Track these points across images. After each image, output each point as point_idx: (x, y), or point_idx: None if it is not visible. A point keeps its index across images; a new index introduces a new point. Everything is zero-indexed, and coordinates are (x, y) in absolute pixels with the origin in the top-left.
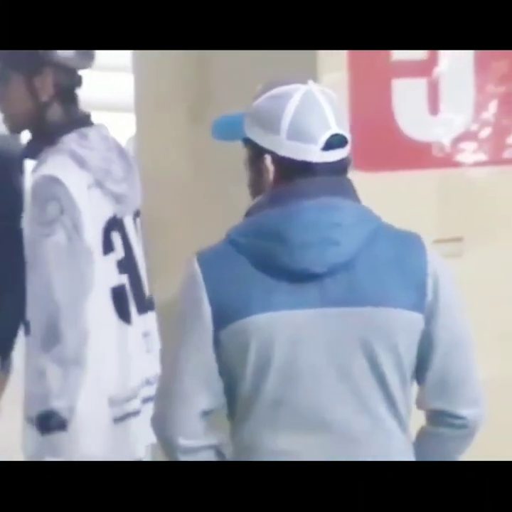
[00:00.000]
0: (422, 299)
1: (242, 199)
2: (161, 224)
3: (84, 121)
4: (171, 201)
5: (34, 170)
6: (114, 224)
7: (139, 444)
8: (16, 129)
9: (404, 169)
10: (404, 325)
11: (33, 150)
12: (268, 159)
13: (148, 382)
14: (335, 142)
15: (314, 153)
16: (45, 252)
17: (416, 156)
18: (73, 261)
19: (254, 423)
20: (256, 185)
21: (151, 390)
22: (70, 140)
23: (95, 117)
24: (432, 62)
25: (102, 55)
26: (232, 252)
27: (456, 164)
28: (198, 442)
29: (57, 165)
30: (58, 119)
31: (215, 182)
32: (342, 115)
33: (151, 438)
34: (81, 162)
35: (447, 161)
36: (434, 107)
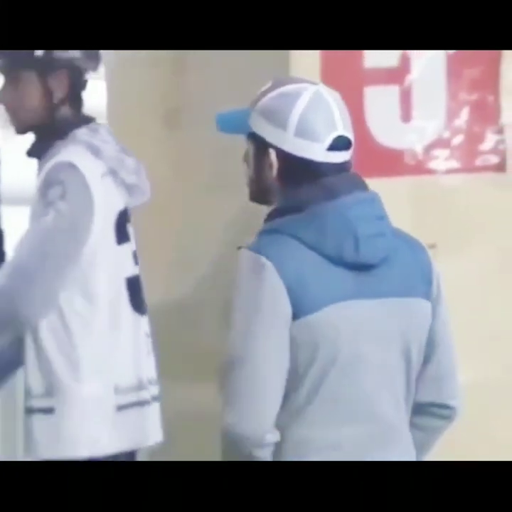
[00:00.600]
0: (430, 294)
1: (219, 204)
2: (137, 229)
3: (90, 120)
4: (148, 206)
5: (46, 162)
6: (127, 215)
7: (146, 435)
8: (23, 130)
9: (377, 176)
10: (427, 318)
11: (41, 148)
12: (273, 154)
13: (151, 382)
14: (340, 144)
15: (319, 153)
16: (30, 231)
17: (388, 163)
18: (52, 247)
19: (311, 417)
20: (257, 181)
21: (155, 390)
22: (83, 133)
23: None
24: (404, 70)
25: None
26: (297, 245)
27: (429, 171)
28: (275, 437)
29: (72, 153)
30: (68, 118)
31: (192, 187)
32: (348, 118)
33: (157, 436)
34: (96, 151)
35: (420, 168)
36: (406, 114)
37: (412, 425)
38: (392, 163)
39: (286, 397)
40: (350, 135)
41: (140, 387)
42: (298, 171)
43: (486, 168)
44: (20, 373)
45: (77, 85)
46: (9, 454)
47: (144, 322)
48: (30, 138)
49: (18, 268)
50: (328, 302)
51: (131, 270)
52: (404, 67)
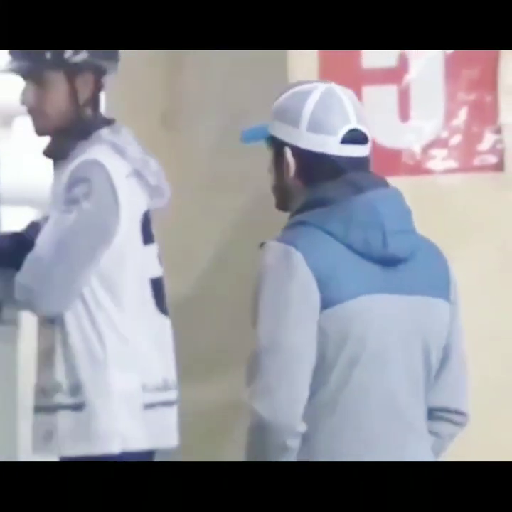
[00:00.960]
0: (449, 297)
1: (216, 204)
2: None
3: (111, 121)
4: None
5: (70, 162)
6: (150, 217)
7: (168, 436)
8: (46, 131)
9: None
10: (447, 320)
11: (62, 149)
12: (289, 153)
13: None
14: (354, 137)
15: (333, 146)
16: (52, 227)
17: (387, 162)
18: (72, 245)
19: (342, 409)
20: (279, 184)
21: (175, 393)
22: (106, 134)
23: None
24: (403, 70)
25: None
26: (325, 237)
27: (427, 171)
28: (303, 427)
29: (98, 152)
30: (91, 119)
31: (189, 187)
32: (363, 114)
33: (175, 439)
34: (121, 151)
35: (418, 168)
36: (404, 114)
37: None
38: (391, 162)
39: (317, 388)
40: (365, 129)
41: (166, 387)
42: (315, 167)
43: (484, 168)
44: (21, 374)
45: (99, 86)
46: (9, 454)
47: (167, 323)
48: (29, 138)
49: (36, 263)
50: (357, 294)
51: (156, 271)
52: (402, 67)
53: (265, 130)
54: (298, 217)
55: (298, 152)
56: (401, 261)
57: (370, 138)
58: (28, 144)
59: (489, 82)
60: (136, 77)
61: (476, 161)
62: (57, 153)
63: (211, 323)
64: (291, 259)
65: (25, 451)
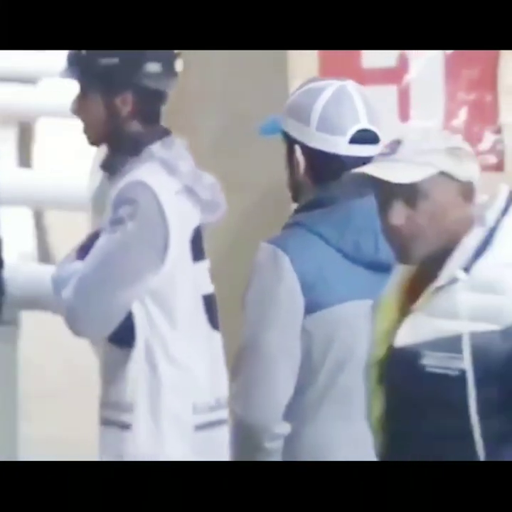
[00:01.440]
0: None
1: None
2: None
3: (166, 133)
4: None
5: (119, 178)
6: (201, 232)
7: (218, 455)
8: (94, 142)
9: None
10: None
11: (113, 163)
12: (298, 151)
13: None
14: (365, 138)
15: (341, 146)
16: (97, 248)
17: None
18: (115, 267)
19: (326, 413)
20: (290, 180)
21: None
22: (157, 148)
23: (72, 125)
24: (403, 70)
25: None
26: (316, 240)
27: None
28: (285, 429)
29: (145, 171)
30: (139, 133)
31: None
32: (376, 113)
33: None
34: (170, 168)
35: None
36: (404, 114)
37: None
38: None
39: (302, 391)
40: (376, 129)
41: (218, 406)
42: (323, 166)
43: (484, 168)
44: (20, 374)
45: (148, 103)
46: (9, 454)
47: (219, 338)
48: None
49: (80, 282)
50: (345, 299)
51: (207, 287)
52: (402, 67)
53: (279, 123)
54: (296, 217)
55: (307, 150)
56: (393, 267)
57: (381, 138)
58: (48, 146)
59: (489, 82)
60: None
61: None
62: (108, 168)
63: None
64: (278, 262)
65: (25, 451)
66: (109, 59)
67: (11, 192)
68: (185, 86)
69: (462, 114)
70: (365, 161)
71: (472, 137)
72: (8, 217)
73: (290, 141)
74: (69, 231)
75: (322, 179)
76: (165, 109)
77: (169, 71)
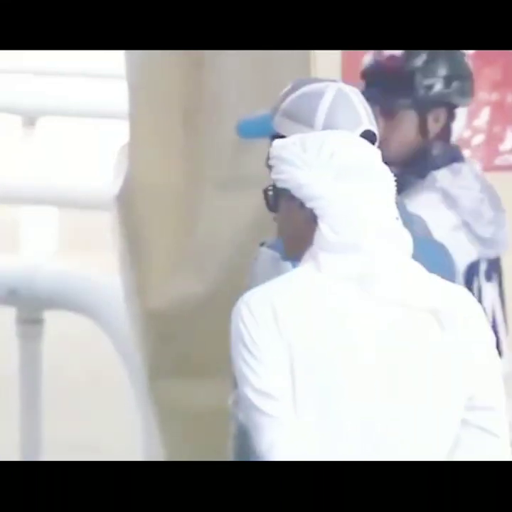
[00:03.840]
0: None
1: (233, 208)
2: (153, 230)
3: (457, 155)
4: (163, 209)
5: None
6: (476, 268)
7: None
8: (391, 163)
9: None
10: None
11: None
12: None
13: None
14: (367, 138)
15: None
16: None
17: None
18: None
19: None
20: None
21: None
22: (443, 177)
23: (90, 124)
24: None
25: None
26: None
27: None
28: None
29: (423, 202)
30: (437, 155)
31: (208, 188)
32: (371, 112)
33: None
34: (451, 202)
35: None
36: None
37: None
38: None
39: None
40: (374, 129)
41: None
42: None
43: (506, 168)
44: (45, 372)
45: (449, 120)
46: (33, 452)
47: None
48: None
49: None
50: None
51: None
52: None
53: (267, 127)
54: None
55: None
56: None
57: (378, 136)
58: (50, 144)
59: (511, 82)
60: (156, 77)
61: (498, 161)
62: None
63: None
64: (279, 267)
65: (49, 449)
66: (431, 79)
67: (34, 191)
68: (205, 85)
69: (484, 114)
70: None
71: (494, 137)
72: (32, 216)
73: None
74: (91, 230)
75: None
76: (184, 109)
77: (468, 91)
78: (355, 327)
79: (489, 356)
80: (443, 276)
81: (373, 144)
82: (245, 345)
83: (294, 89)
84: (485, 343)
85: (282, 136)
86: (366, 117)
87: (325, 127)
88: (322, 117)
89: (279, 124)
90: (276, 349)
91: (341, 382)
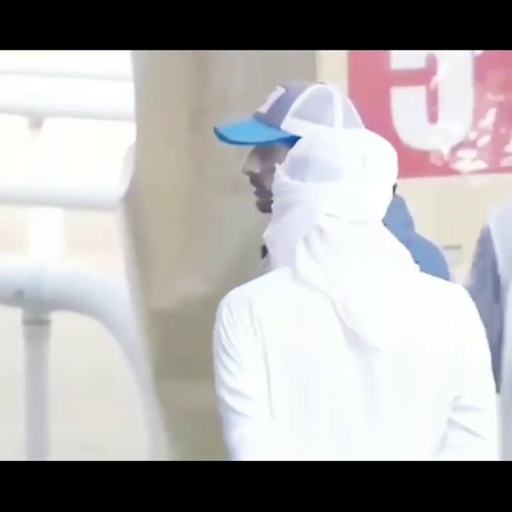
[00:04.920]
0: None
1: (240, 208)
2: (159, 231)
3: None
4: (170, 209)
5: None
6: None
7: None
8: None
9: (403, 177)
10: None
11: None
12: None
13: None
14: None
15: None
16: None
17: (415, 164)
18: None
19: None
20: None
21: None
22: None
23: (96, 126)
24: (431, 71)
25: (101, 64)
26: None
27: (455, 172)
28: None
29: None
30: None
31: (214, 191)
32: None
33: None
34: None
35: (446, 169)
36: (432, 116)
37: None
38: (419, 164)
39: None
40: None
41: None
42: None
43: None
44: (51, 373)
45: None
46: (40, 453)
47: None
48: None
49: None
50: None
51: None
52: (431, 69)
53: (257, 133)
54: None
55: None
56: None
57: None
58: (57, 145)
59: None
60: (162, 78)
61: (504, 162)
62: None
63: None
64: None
65: (55, 450)
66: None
67: (40, 192)
68: (211, 86)
69: (490, 115)
70: None
71: (500, 138)
72: (38, 217)
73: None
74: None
75: None
76: (190, 110)
77: None
78: (330, 326)
79: (481, 356)
80: (436, 275)
81: None
82: (223, 346)
83: (294, 91)
84: (477, 342)
85: (282, 139)
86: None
87: (345, 122)
88: (340, 115)
89: (293, 127)
90: (252, 350)
91: (317, 383)
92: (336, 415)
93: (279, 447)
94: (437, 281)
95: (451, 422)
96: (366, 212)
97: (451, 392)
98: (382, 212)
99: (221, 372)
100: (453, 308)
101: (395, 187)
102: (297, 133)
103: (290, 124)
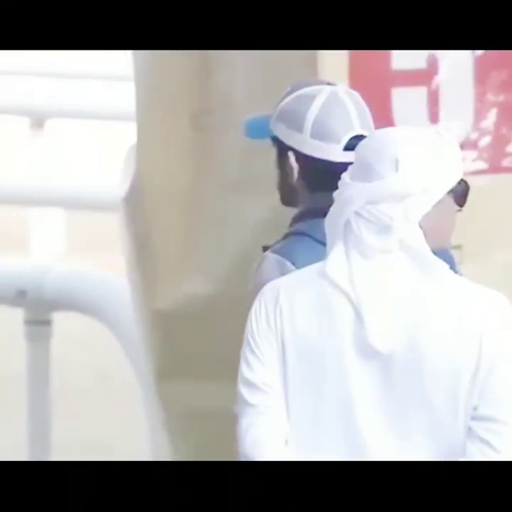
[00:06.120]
0: None
1: (242, 208)
2: (161, 231)
3: None
4: (172, 210)
5: None
6: None
7: None
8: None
9: None
10: None
11: None
12: (292, 157)
13: None
14: (357, 144)
15: (336, 153)
16: None
17: None
18: None
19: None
20: (282, 184)
21: None
22: None
23: (97, 126)
24: (432, 71)
25: (103, 64)
26: (322, 250)
27: None
28: None
29: None
30: None
31: (215, 191)
32: (367, 117)
33: None
34: None
35: None
36: (434, 116)
37: None
38: None
39: None
40: (368, 134)
41: None
42: (318, 173)
43: None
44: (52, 373)
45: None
46: (42, 454)
47: None
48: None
49: None
50: None
51: None
52: (431, 69)
53: (268, 128)
54: (298, 226)
55: (302, 157)
56: None
57: None
58: (58, 146)
59: None
60: (164, 78)
61: (506, 162)
62: None
63: (234, 324)
64: (285, 273)
65: (57, 451)
66: None
67: (42, 193)
68: (214, 86)
69: (491, 116)
70: None
71: (501, 138)
72: (40, 217)
73: (282, 147)
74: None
75: (317, 185)
76: (192, 109)
77: None
78: (347, 324)
79: (507, 369)
80: None
81: None
82: (247, 337)
83: (291, 91)
84: (503, 355)
85: (278, 139)
86: (358, 122)
87: (313, 132)
88: (310, 122)
89: (275, 126)
90: (271, 342)
91: (331, 379)
92: (348, 413)
93: (284, 440)
94: (472, 289)
95: (469, 431)
96: (397, 214)
97: (470, 402)
98: (417, 215)
99: (241, 362)
100: (479, 319)
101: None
102: (277, 134)
103: (274, 125)
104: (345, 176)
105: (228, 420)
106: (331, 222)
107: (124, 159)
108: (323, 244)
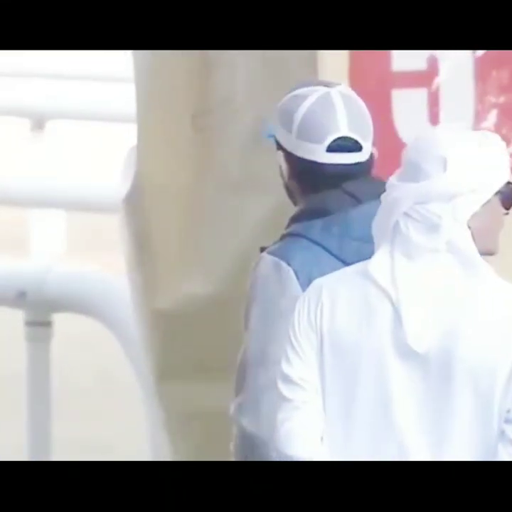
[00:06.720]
0: None
1: (242, 208)
2: (161, 231)
3: None
4: (172, 211)
5: None
6: None
7: None
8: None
9: None
10: None
11: None
12: (282, 156)
13: None
14: (343, 146)
15: (319, 154)
16: None
17: None
18: None
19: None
20: (284, 184)
21: None
22: None
23: (98, 127)
24: (432, 73)
25: (102, 66)
26: (320, 252)
27: None
28: None
29: None
30: None
31: (215, 191)
32: (360, 119)
33: None
34: None
35: None
36: (434, 117)
37: None
38: None
39: None
40: (358, 136)
41: None
42: (304, 173)
43: None
44: (52, 374)
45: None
46: (43, 454)
47: None
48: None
49: None
50: None
51: None
52: (432, 70)
53: (271, 128)
54: (294, 228)
55: (290, 157)
56: None
57: (364, 145)
58: (59, 147)
59: None
60: (164, 78)
61: None
62: None
63: (233, 324)
64: (282, 274)
65: (57, 451)
66: None
67: (42, 194)
68: (214, 86)
69: (492, 117)
70: (348, 168)
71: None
72: (40, 218)
73: (277, 146)
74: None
75: (306, 186)
76: (192, 110)
77: None
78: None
79: None
80: None
81: (354, 151)
82: (289, 332)
83: (291, 90)
84: None
85: (277, 140)
86: (346, 124)
87: (299, 132)
88: (297, 122)
89: (273, 126)
90: (310, 338)
91: (366, 377)
92: (385, 411)
93: (319, 436)
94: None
95: (502, 434)
96: (446, 214)
97: (505, 404)
98: (465, 215)
99: (282, 356)
100: None
101: None
102: (274, 133)
103: (273, 125)
104: (392, 178)
105: (228, 420)
106: (379, 224)
107: (125, 160)
108: (319, 245)
